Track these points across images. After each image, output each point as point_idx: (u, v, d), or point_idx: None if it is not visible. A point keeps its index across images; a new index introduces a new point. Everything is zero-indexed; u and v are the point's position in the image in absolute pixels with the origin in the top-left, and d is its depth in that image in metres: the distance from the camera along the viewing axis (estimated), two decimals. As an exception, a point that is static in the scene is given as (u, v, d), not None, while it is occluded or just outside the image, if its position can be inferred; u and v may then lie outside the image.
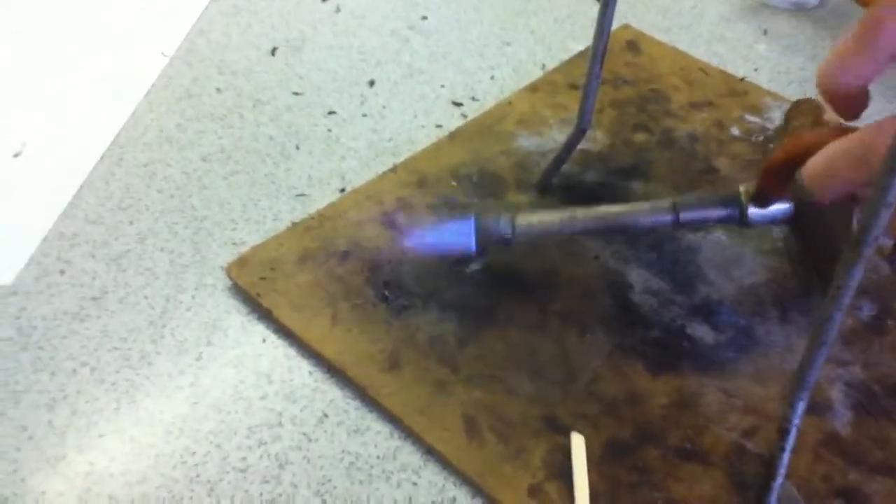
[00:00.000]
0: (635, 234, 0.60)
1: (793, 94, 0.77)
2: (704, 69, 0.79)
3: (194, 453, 0.48)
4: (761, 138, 0.71)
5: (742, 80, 0.78)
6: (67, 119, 0.70)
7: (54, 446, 0.48)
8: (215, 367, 0.52)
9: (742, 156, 0.69)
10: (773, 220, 0.52)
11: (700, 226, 0.59)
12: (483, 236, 0.53)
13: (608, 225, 0.53)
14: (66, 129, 0.69)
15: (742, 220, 0.52)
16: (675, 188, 0.66)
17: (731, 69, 0.79)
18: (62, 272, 0.57)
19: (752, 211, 0.51)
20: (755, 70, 0.80)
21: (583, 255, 0.60)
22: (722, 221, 0.53)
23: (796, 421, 0.42)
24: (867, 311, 0.57)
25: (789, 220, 0.52)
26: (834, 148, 0.42)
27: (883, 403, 0.51)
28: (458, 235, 0.53)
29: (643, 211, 0.53)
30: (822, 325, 0.38)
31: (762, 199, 0.51)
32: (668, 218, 0.53)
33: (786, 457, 0.43)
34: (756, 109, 0.74)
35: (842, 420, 0.50)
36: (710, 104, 0.75)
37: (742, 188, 0.52)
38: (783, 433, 0.43)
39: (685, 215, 0.52)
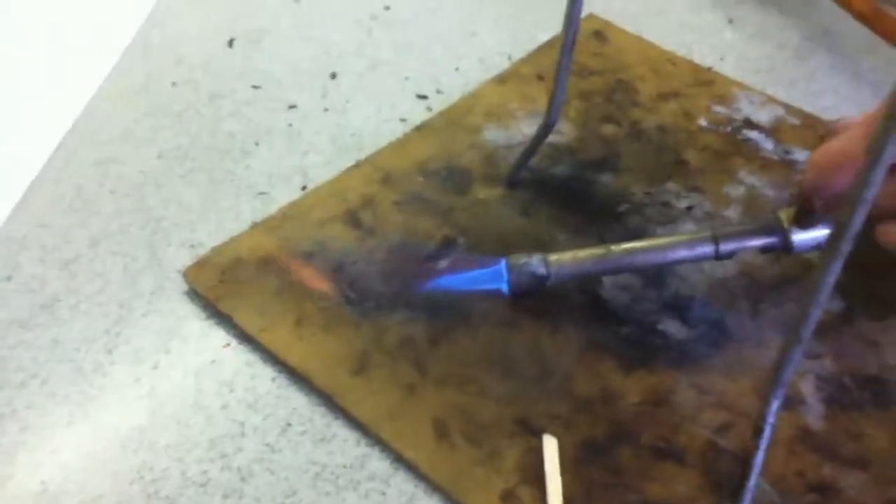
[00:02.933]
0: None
1: (759, 83, 0.76)
2: (672, 59, 0.78)
3: (152, 468, 0.46)
4: (728, 129, 0.71)
5: (709, 69, 0.77)
6: (15, 115, 0.67)
7: (3, 464, 0.46)
8: (174, 375, 0.50)
9: (711, 147, 0.69)
10: (819, 245, 0.50)
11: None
12: (516, 278, 0.51)
13: (645, 261, 0.52)
14: (13, 125, 0.66)
15: (786, 247, 0.50)
16: (647, 180, 0.65)
17: (697, 58, 0.78)
18: (9, 278, 0.55)
19: (797, 236, 0.49)
20: (721, 59, 0.80)
21: (554, 250, 0.59)
22: (765, 250, 0.51)
23: (771, 419, 0.42)
24: (837, 303, 0.56)
25: None
26: (837, 139, 0.41)
27: (854, 396, 0.51)
28: (489, 279, 0.51)
29: (681, 244, 0.51)
30: (798, 324, 0.37)
31: (804, 220, 0.49)
32: (709, 250, 0.51)
33: (760, 455, 0.42)
34: (724, 100, 0.73)
35: (814, 414, 0.50)
36: (677, 95, 0.74)
37: (781, 213, 0.50)
38: (758, 432, 0.42)
39: (726, 246, 0.51)
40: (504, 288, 0.51)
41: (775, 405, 0.41)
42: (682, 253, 0.51)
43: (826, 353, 0.53)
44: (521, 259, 0.51)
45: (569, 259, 0.52)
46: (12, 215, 0.59)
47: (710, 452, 0.48)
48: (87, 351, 0.51)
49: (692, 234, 0.52)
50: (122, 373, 0.50)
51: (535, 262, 0.51)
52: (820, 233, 0.50)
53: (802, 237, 0.50)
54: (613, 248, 0.52)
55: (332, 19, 0.80)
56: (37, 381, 0.49)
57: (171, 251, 0.57)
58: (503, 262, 0.52)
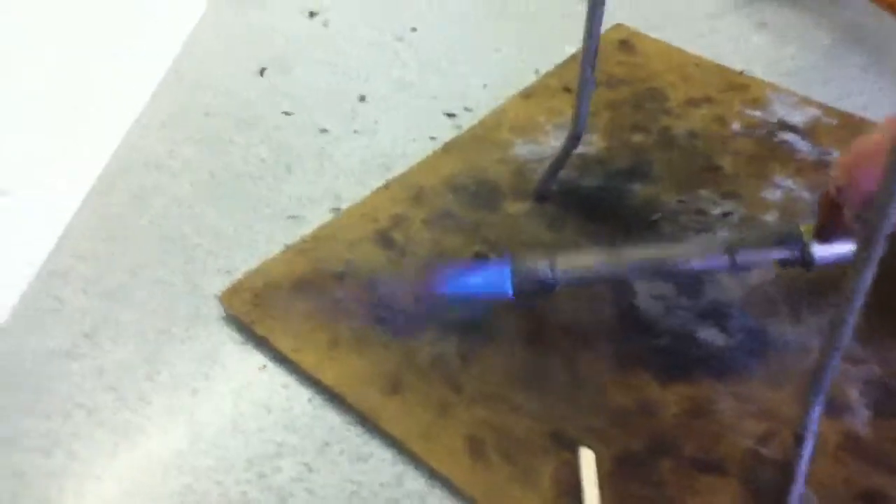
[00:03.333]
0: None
1: (788, 84, 0.75)
2: (700, 64, 0.77)
3: (194, 490, 0.47)
4: (763, 132, 0.69)
5: (740, 73, 0.76)
6: (54, 150, 0.70)
7: (52, 493, 0.47)
8: (212, 400, 0.51)
9: (746, 152, 0.68)
10: (840, 259, 0.48)
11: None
12: (521, 281, 0.49)
13: (656, 268, 0.50)
14: (52, 160, 0.69)
15: (805, 261, 0.48)
16: (679, 188, 0.64)
17: (727, 63, 0.78)
18: (54, 310, 0.56)
19: (817, 249, 0.48)
20: (751, 63, 0.79)
21: (584, 262, 0.58)
22: (783, 263, 0.49)
23: (813, 427, 0.41)
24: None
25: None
26: (867, 140, 0.40)
27: (903, 400, 0.50)
28: (493, 281, 0.49)
29: (695, 252, 0.49)
30: (835, 329, 0.36)
31: (825, 233, 0.47)
32: (724, 260, 0.49)
33: (804, 464, 0.41)
34: (757, 103, 0.72)
35: (861, 420, 0.49)
36: (708, 100, 0.73)
37: (802, 226, 0.48)
38: (800, 439, 0.41)
39: (742, 257, 0.48)
40: (508, 291, 0.49)
41: (817, 412, 0.40)
42: (696, 263, 0.49)
43: (870, 358, 0.52)
44: (527, 262, 0.49)
45: (577, 262, 0.50)
46: (56, 248, 0.61)
47: (752, 462, 0.46)
48: (129, 379, 0.52)
49: (707, 242, 0.50)
50: (163, 399, 0.51)
51: (540, 266, 0.49)
52: (842, 247, 0.48)
53: (823, 252, 0.48)
54: (625, 252, 0.50)
55: (360, 43, 0.81)
56: (82, 410, 0.51)
57: (207, 277, 0.58)
58: (508, 265, 0.49)
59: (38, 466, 0.48)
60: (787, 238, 0.48)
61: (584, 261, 0.50)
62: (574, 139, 0.59)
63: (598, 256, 0.50)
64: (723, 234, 0.60)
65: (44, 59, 0.79)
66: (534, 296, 0.50)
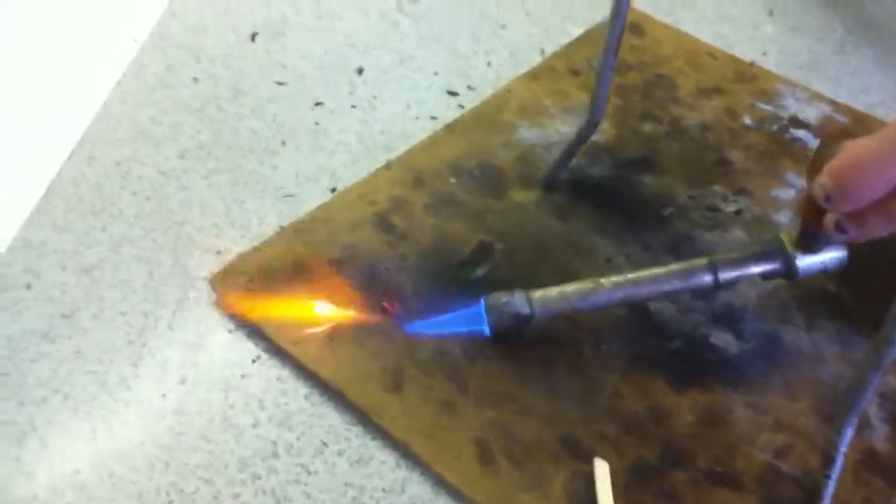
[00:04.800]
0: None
1: (800, 76, 0.73)
2: (712, 53, 0.75)
3: (182, 490, 0.43)
4: (774, 127, 0.67)
5: (752, 64, 0.74)
6: (30, 114, 0.65)
7: (23, 485, 0.43)
8: (201, 390, 0.48)
9: (756, 146, 0.66)
10: (826, 269, 0.46)
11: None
12: (496, 319, 0.47)
13: (639, 293, 0.47)
14: (29, 125, 0.64)
15: (790, 273, 0.46)
16: (690, 182, 0.62)
17: (738, 52, 0.75)
18: (29, 286, 0.52)
19: (801, 261, 0.45)
20: (764, 54, 0.76)
21: (594, 257, 0.56)
22: (768, 276, 0.47)
23: (843, 448, 0.39)
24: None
25: (843, 268, 0.46)
26: (861, 145, 0.37)
27: (919, 415, 0.48)
28: (469, 321, 0.47)
29: (677, 275, 0.47)
30: (881, 349, 0.34)
31: (809, 241, 0.45)
32: (707, 279, 0.46)
33: (832, 486, 0.40)
34: (768, 96, 0.70)
35: (879, 436, 0.47)
36: (719, 91, 0.71)
37: (783, 234, 0.46)
38: (829, 461, 0.39)
39: (725, 275, 0.46)
40: (485, 330, 0.47)
41: (849, 434, 0.38)
42: (678, 284, 0.47)
43: (888, 370, 0.50)
44: (502, 298, 0.47)
45: (555, 295, 0.47)
46: (30, 219, 0.56)
47: (769, 477, 0.45)
48: (110, 363, 0.49)
49: (688, 262, 0.47)
50: (147, 387, 0.48)
51: (517, 301, 0.46)
52: (827, 255, 0.45)
53: (808, 261, 0.45)
54: (603, 281, 0.47)
55: (356, 10, 0.77)
56: (59, 395, 0.47)
57: (196, 257, 0.55)
58: (482, 303, 0.47)
59: (9, 456, 0.44)
60: (770, 251, 0.46)
61: (563, 293, 0.47)
62: (591, 125, 0.56)
63: (577, 287, 0.47)
64: (736, 233, 0.58)
65: (14, 19, 0.74)
66: (511, 332, 0.48)
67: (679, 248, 0.57)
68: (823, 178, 0.38)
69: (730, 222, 0.59)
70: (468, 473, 0.44)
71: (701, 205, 0.61)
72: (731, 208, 0.60)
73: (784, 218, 0.60)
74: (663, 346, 0.51)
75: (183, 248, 0.55)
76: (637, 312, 0.53)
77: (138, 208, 0.58)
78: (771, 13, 0.82)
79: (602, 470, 0.44)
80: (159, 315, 0.51)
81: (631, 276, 0.47)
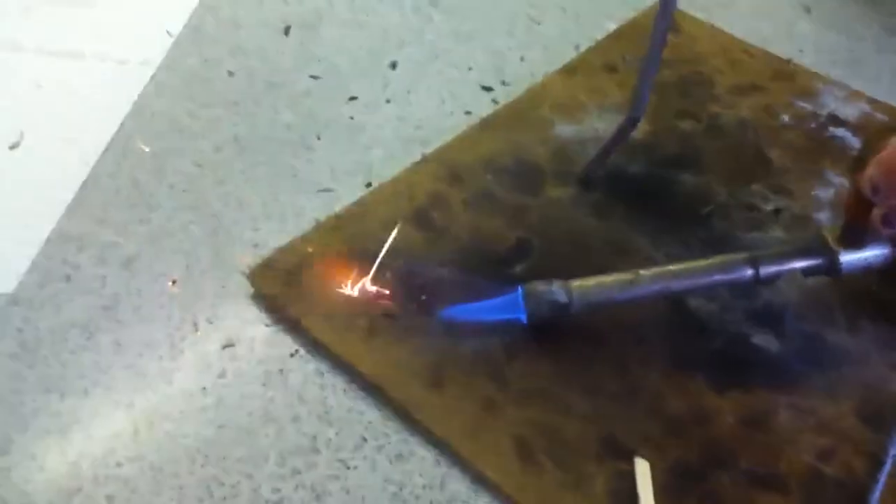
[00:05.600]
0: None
1: (838, 75, 0.72)
2: (748, 50, 0.74)
3: (223, 484, 0.44)
4: (813, 125, 0.67)
5: (789, 62, 0.73)
6: (67, 105, 0.65)
7: (70, 478, 0.43)
8: (241, 384, 0.48)
9: (795, 144, 0.65)
10: (869, 266, 0.45)
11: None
12: (534, 307, 0.47)
13: (678, 286, 0.47)
14: (66, 116, 0.64)
15: (833, 269, 0.45)
16: (729, 180, 0.61)
17: (774, 49, 0.74)
18: (68, 278, 0.53)
19: (845, 257, 0.45)
20: (800, 51, 0.75)
21: (633, 255, 0.56)
22: (809, 273, 0.46)
23: (894, 451, 0.38)
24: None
25: (887, 264, 0.45)
26: None
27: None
28: (506, 308, 0.47)
29: (717, 267, 0.47)
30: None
31: (853, 237, 0.44)
32: (747, 274, 0.46)
33: (879, 489, 0.39)
34: (806, 94, 0.69)
35: (924, 439, 0.46)
36: (756, 88, 0.70)
37: (825, 231, 0.46)
38: (877, 464, 0.39)
39: (766, 270, 0.46)
40: (522, 317, 0.47)
41: (900, 437, 0.37)
42: (718, 277, 0.47)
43: (933, 372, 0.50)
44: (541, 286, 0.47)
45: (593, 286, 0.47)
46: (68, 212, 0.56)
47: (812, 480, 0.44)
48: (150, 357, 0.49)
49: (728, 255, 0.47)
50: (187, 381, 0.48)
51: (555, 289, 0.47)
52: (871, 252, 0.45)
53: (851, 257, 0.45)
54: (642, 273, 0.47)
55: (390, 4, 0.77)
56: (100, 388, 0.47)
57: (234, 250, 0.55)
58: (520, 291, 0.47)
59: (53, 448, 0.44)
60: (813, 246, 0.46)
61: (601, 283, 0.47)
62: (632, 123, 0.56)
63: (616, 278, 0.48)
64: (776, 232, 0.58)
65: (50, 11, 0.74)
66: (548, 321, 0.48)
67: (718, 247, 0.56)
68: (871, 171, 0.37)
69: (769, 221, 0.58)
70: (508, 471, 0.44)
71: (740, 203, 0.60)
72: (770, 207, 0.60)
73: (824, 216, 0.59)
74: (704, 345, 0.51)
75: (221, 241, 0.55)
76: (677, 311, 0.52)
77: (175, 201, 0.58)
78: (808, 10, 0.81)
79: (643, 469, 0.43)
80: (198, 308, 0.51)
81: (671, 268, 0.47)
